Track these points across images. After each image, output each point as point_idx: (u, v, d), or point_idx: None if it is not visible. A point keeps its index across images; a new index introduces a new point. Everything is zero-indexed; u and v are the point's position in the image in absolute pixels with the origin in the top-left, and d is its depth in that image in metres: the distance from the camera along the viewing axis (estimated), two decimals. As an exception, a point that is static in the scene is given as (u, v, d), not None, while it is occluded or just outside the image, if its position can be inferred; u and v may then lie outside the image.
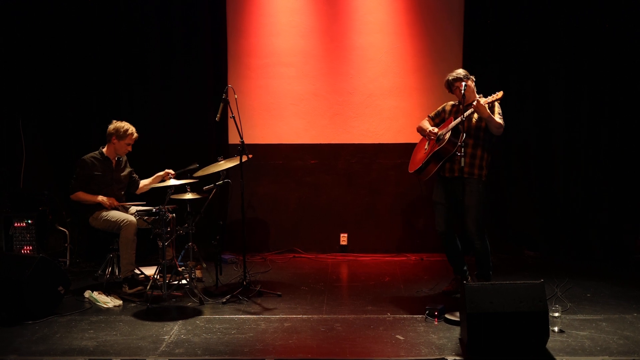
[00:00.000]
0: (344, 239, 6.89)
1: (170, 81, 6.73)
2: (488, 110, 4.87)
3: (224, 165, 5.38)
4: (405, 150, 6.73)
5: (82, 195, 5.39)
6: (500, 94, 4.89)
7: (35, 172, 6.65)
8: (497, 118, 4.95)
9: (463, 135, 4.74)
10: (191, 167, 5.53)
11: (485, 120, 4.92)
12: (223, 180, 5.44)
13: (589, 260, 6.41)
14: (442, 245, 5.28)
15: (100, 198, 5.35)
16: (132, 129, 5.47)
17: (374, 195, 6.90)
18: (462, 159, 4.61)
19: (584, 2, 6.43)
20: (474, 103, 4.86)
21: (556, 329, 4.27)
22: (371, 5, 6.73)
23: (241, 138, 5.22)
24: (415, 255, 6.72)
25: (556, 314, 4.33)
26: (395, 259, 6.65)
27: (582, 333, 4.26)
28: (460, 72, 5.09)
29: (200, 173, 5.41)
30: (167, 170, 5.55)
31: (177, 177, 5.48)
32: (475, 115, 4.98)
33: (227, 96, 5.32)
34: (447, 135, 4.99)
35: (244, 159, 5.25)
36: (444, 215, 5.15)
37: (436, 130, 5.14)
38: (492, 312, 3.87)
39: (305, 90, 6.82)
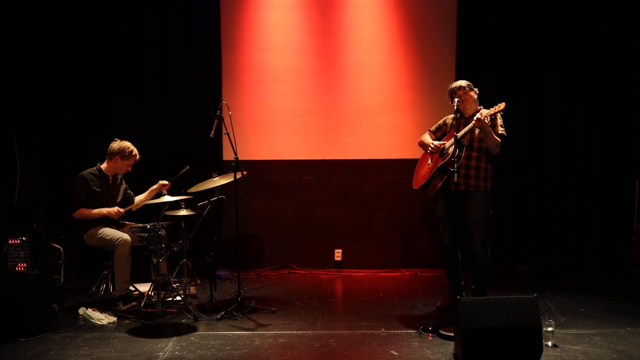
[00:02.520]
0: (338, 254, 6.89)
1: (167, 97, 6.73)
2: (489, 126, 4.80)
3: (219, 181, 5.40)
4: (399, 165, 6.78)
5: (85, 212, 5.33)
6: (502, 105, 4.77)
7: (30, 188, 6.63)
8: (499, 130, 4.90)
9: (457, 150, 4.71)
10: (183, 171, 5.52)
11: (485, 136, 4.85)
12: (217, 196, 5.46)
13: (583, 275, 6.42)
14: (438, 260, 5.25)
15: (106, 211, 5.33)
16: (135, 150, 5.49)
17: (368, 210, 6.91)
18: (455, 174, 4.61)
19: (578, 9, 6.44)
20: (474, 119, 4.76)
21: (550, 343, 4.28)
22: (365, 22, 6.77)
23: (235, 154, 5.25)
24: (409, 271, 6.72)
25: (550, 329, 4.34)
26: (389, 275, 6.65)
27: (575, 347, 4.28)
28: (463, 82, 5.01)
29: (194, 189, 5.42)
30: (160, 182, 5.53)
31: (171, 184, 5.47)
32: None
33: (221, 113, 5.35)
34: (451, 150, 4.86)
35: (239, 175, 5.27)
36: (449, 229, 5.08)
37: (438, 143, 5.05)
38: (486, 327, 3.88)
39: (300, 106, 6.85)
